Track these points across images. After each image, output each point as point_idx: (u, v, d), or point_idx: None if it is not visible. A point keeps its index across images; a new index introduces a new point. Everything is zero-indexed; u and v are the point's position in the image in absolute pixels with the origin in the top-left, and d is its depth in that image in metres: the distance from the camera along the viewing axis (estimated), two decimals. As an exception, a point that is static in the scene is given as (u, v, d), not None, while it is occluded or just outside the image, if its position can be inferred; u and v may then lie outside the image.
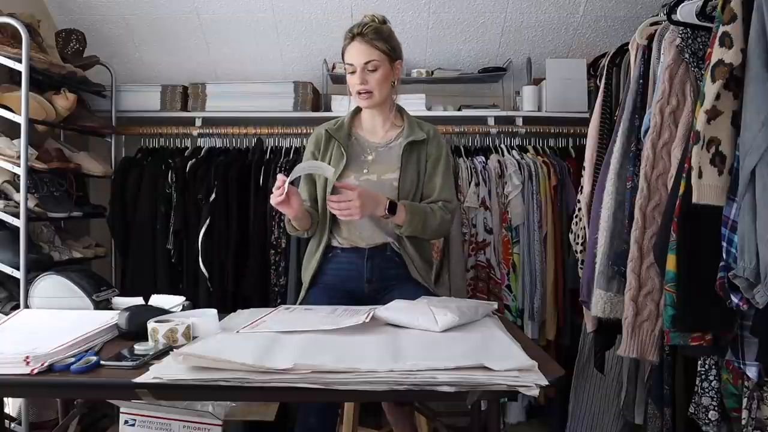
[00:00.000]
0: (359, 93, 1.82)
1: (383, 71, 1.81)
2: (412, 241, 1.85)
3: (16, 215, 2.19)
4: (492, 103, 3.04)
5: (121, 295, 1.67)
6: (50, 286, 1.62)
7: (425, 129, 1.91)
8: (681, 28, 1.65)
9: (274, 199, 1.66)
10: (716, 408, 1.50)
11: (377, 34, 1.81)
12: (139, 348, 1.20)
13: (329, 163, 1.86)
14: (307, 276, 1.88)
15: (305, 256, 1.95)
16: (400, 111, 1.96)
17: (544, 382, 1.02)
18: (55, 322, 1.41)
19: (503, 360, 1.08)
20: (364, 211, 1.68)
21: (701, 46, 1.62)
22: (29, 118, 2.21)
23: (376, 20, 1.83)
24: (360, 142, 1.91)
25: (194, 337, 1.30)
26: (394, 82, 1.88)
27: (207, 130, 2.87)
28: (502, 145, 2.83)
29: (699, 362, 1.55)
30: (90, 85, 2.69)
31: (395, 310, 1.44)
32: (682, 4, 1.62)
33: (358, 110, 1.96)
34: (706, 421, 1.51)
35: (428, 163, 1.88)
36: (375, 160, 1.87)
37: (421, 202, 1.87)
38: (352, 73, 1.81)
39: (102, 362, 1.15)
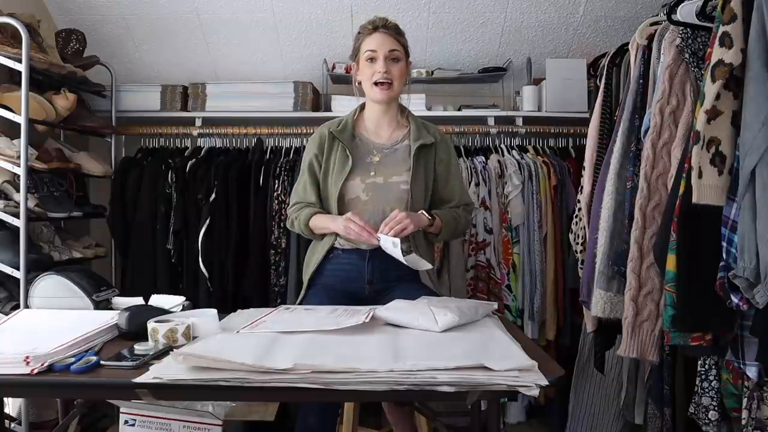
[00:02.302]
0: (379, 83, 1.82)
1: (402, 65, 1.85)
2: (423, 247, 1.85)
3: (16, 215, 2.19)
4: (492, 103, 3.04)
5: (121, 295, 1.67)
6: (50, 286, 1.62)
7: (432, 131, 1.91)
8: (681, 28, 1.65)
9: (359, 234, 1.69)
10: (716, 408, 1.50)
11: (398, 30, 1.87)
12: (139, 348, 1.20)
13: (334, 167, 1.85)
14: (307, 276, 1.88)
15: (306, 255, 1.94)
16: (407, 112, 1.95)
17: (544, 382, 1.02)
18: (55, 322, 1.41)
19: (503, 360, 1.08)
20: (414, 224, 1.71)
21: (701, 46, 1.62)
22: (29, 118, 2.21)
23: (389, 19, 1.88)
24: (364, 143, 1.89)
25: (194, 337, 1.30)
26: (406, 81, 1.90)
27: (207, 130, 2.87)
28: (502, 145, 2.83)
29: (699, 362, 1.55)
30: (90, 85, 2.69)
31: (395, 310, 1.44)
32: (682, 4, 1.62)
33: (361, 109, 1.95)
34: (706, 421, 1.51)
35: (440, 167, 1.89)
36: (381, 162, 1.86)
37: (441, 207, 1.89)
38: (372, 60, 1.82)
39: (102, 362, 1.15)
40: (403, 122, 1.93)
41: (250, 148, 2.89)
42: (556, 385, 1.07)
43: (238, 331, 1.35)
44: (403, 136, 1.90)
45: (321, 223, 1.83)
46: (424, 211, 1.79)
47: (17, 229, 2.18)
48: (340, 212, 1.83)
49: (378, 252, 1.83)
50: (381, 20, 1.85)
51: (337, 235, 1.85)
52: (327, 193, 1.86)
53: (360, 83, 1.89)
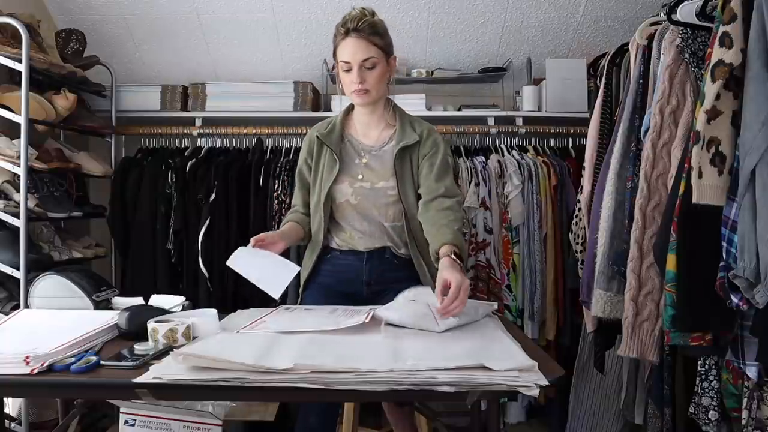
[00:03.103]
0: (355, 91, 1.74)
1: (381, 68, 1.73)
2: (422, 252, 1.80)
3: (16, 215, 2.19)
4: (492, 103, 3.04)
5: (121, 295, 1.67)
6: (50, 286, 1.62)
7: (418, 130, 1.82)
8: (681, 28, 1.65)
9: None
10: (716, 408, 1.50)
11: (373, 28, 1.71)
12: (139, 348, 1.20)
13: (323, 170, 1.81)
14: (304, 277, 1.86)
15: (304, 257, 1.93)
16: (395, 109, 1.88)
17: (544, 382, 1.02)
18: (55, 322, 1.41)
19: (503, 360, 1.08)
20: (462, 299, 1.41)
21: (701, 46, 1.62)
22: (29, 118, 2.21)
23: (368, 13, 1.73)
24: (353, 145, 1.85)
25: (194, 337, 1.30)
26: (389, 79, 1.81)
27: (207, 130, 2.87)
28: (502, 145, 2.83)
29: (699, 362, 1.55)
30: (90, 85, 2.69)
31: (395, 310, 1.44)
32: (682, 4, 1.62)
33: (350, 109, 1.90)
34: (706, 421, 1.51)
35: (422, 161, 1.79)
36: (368, 165, 1.81)
37: (425, 200, 1.78)
38: (348, 71, 1.73)
39: (102, 362, 1.15)
40: (391, 121, 1.86)
41: (250, 148, 2.89)
42: (556, 385, 1.07)
43: (238, 331, 1.35)
44: (390, 137, 1.84)
45: None
46: (453, 258, 1.52)
47: (17, 229, 2.18)
48: (332, 216, 1.82)
49: (375, 253, 1.81)
50: (354, 20, 1.70)
51: (329, 234, 1.84)
52: (318, 196, 1.83)
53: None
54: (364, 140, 1.86)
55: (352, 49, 1.71)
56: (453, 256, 1.52)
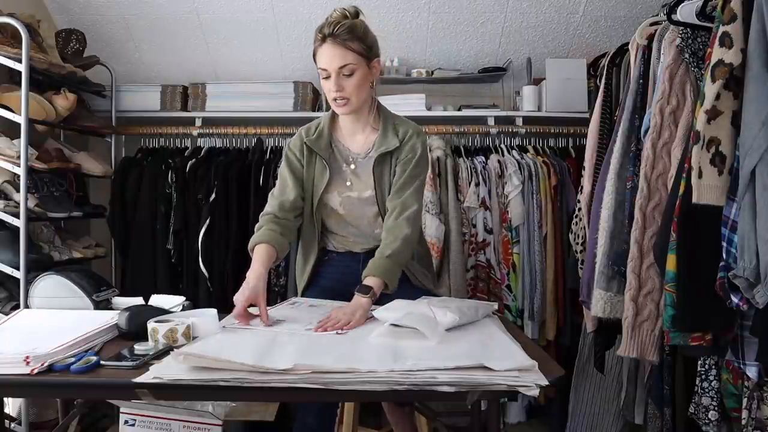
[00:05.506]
0: (335, 100, 1.68)
1: (360, 74, 1.64)
2: (419, 273, 1.80)
3: (16, 215, 2.19)
4: (492, 103, 3.04)
5: (121, 295, 1.68)
6: (50, 286, 1.62)
7: (401, 132, 1.75)
8: (681, 28, 1.65)
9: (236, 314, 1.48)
10: (716, 408, 1.50)
11: (351, 33, 1.62)
12: (139, 348, 1.21)
13: (313, 178, 1.77)
14: (302, 281, 1.84)
15: (297, 262, 1.89)
16: (380, 112, 1.80)
17: (544, 382, 1.02)
18: (55, 322, 1.42)
19: (503, 360, 1.08)
20: (355, 317, 1.44)
21: (701, 46, 1.62)
22: (29, 118, 2.21)
23: (348, 15, 1.65)
24: (341, 151, 1.80)
25: (194, 337, 1.30)
26: (372, 83, 1.72)
27: (207, 130, 2.87)
28: (502, 145, 2.83)
29: (699, 362, 1.55)
30: (90, 85, 2.69)
31: (395, 310, 1.44)
32: (682, 4, 1.62)
33: (335, 112, 1.81)
34: (706, 421, 1.51)
35: (398, 166, 1.73)
36: (355, 172, 1.77)
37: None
38: (326, 78, 1.66)
39: (102, 362, 1.15)
40: (375, 125, 1.79)
41: (250, 148, 2.89)
42: (556, 385, 1.07)
43: (224, 327, 1.37)
44: (374, 142, 1.77)
45: (253, 260, 1.71)
46: (361, 290, 1.55)
47: (17, 229, 2.18)
48: (323, 223, 1.80)
49: (372, 253, 1.80)
50: (329, 25, 1.62)
51: (325, 238, 1.83)
52: (310, 205, 1.80)
53: None
54: (351, 146, 1.80)
55: (329, 56, 1.63)
56: (360, 291, 1.54)
